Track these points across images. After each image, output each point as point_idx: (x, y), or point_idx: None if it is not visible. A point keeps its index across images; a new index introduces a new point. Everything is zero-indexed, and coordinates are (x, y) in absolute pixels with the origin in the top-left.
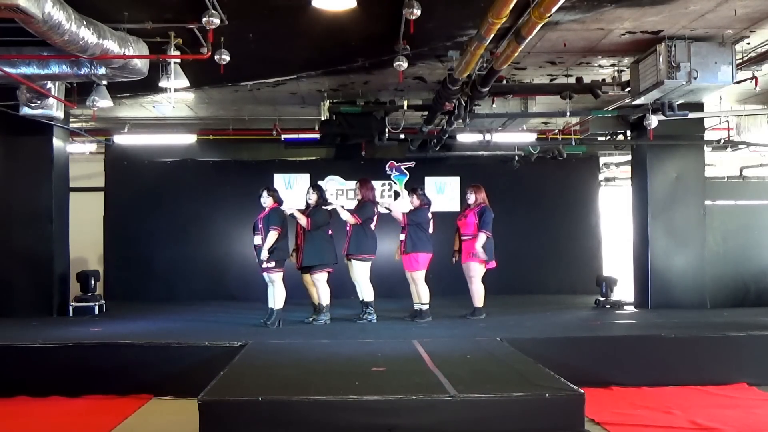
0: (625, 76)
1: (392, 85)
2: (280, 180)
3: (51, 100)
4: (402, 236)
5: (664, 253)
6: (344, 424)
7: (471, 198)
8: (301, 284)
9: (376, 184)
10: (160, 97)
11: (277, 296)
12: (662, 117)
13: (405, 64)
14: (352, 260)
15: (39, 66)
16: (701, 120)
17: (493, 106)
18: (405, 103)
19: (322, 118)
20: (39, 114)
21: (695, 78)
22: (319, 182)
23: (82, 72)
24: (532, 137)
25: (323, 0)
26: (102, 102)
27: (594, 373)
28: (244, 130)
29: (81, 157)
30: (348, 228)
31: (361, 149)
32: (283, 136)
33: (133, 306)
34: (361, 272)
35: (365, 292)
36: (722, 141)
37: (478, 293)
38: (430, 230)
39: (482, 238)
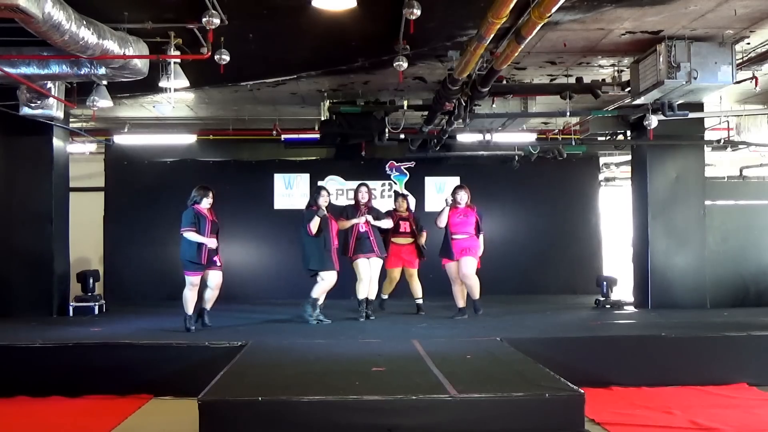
0: (625, 76)
1: (392, 85)
2: (280, 180)
3: (51, 100)
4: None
5: (664, 253)
6: (344, 424)
7: (465, 197)
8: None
9: (376, 184)
10: (160, 97)
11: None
12: (662, 117)
13: (405, 64)
14: (376, 259)
15: (39, 66)
16: (701, 120)
17: (493, 106)
18: (405, 103)
19: (322, 118)
20: (39, 114)
21: (695, 78)
22: (320, 182)
23: (82, 72)
24: (532, 137)
25: (323, 0)
26: (102, 102)
27: (594, 373)
28: (244, 130)
29: (81, 157)
30: (367, 229)
31: (361, 149)
32: (283, 136)
33: (133, 306)
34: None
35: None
36: (722, 141)
37: (477, 287)
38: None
39: (481, 239)
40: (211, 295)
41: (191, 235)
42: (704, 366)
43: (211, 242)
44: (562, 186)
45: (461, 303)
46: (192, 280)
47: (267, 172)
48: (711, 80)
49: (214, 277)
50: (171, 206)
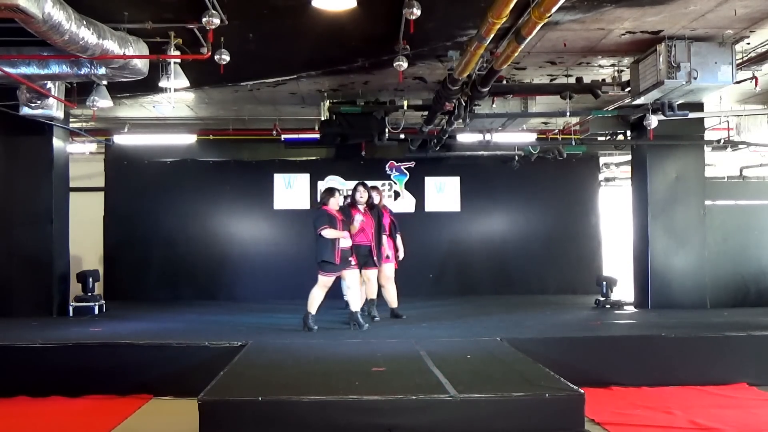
0: (625, 76)
1: (392, 85)
2: (280, 180)
3: (51, 100)
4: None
5: (664, 253)
6: (344, 424)
7: (377, 198)
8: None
9: (376, 184)
10: (160, 97)
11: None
12: (662, 117)
13: (405, 64)
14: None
15: (39, 66)
16: (701, 120)
17: (493, 106)
18: (405, 103)
19: (322, 118)
20: (39, 114)
21: (695, 78)
22: (320, 182)
23: (82, 72)
24: (532, 137)
25: (323, 0)
26: (102, 102)
27: (594, 373)
28: (244, 130)
29: (81, 157)
30: (370, 233)
31: (361, 149)
32: (283, 136)
33: (133, 306)
34: None
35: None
36: (722, 141)
37: (394, 293)
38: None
39: (399, 241)
40: (354, 294)
41: (327, 232)
42: (704, 366)
43: (344, 235)
44: (562, 186)
45: (394, 303)
46: (325, 281)
47: (267, 172)
48: (711, 80)
49: (351, 277)
50: (171, 206)
